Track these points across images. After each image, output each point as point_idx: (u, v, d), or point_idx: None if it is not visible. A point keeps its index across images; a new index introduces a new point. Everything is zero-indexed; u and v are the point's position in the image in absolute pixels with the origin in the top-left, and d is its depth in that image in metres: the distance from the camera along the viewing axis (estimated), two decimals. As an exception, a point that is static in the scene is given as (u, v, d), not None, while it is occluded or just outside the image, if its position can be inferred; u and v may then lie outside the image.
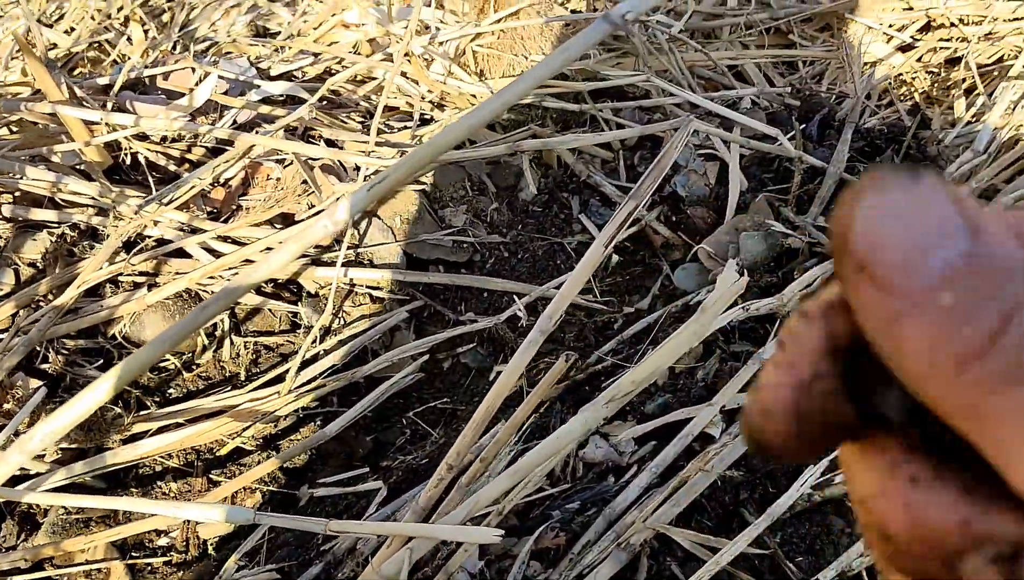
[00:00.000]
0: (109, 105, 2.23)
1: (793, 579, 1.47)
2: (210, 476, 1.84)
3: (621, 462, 1.66)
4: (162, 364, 1.95)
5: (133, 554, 1.69)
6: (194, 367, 1.97)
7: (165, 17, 3.17)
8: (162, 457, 1.81)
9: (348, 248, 2.07)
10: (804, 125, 2.40)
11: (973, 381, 0.23)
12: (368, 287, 2.10)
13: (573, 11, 3.12)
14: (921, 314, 0.23)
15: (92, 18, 3.09)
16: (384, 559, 1.32)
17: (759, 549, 1.50)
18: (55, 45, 2.91)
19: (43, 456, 1.74)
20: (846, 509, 1.61)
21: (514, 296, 2.10)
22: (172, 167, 2.26)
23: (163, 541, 1.73)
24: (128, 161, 2.24)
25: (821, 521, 1.58)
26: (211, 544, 1.73)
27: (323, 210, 2.09)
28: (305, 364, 1.96)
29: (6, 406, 1.72)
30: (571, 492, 1.63)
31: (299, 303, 2.09)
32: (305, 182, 2.16)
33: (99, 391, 0.84)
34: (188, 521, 1.73)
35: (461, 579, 1.49)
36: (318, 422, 1.93)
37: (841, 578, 1.48)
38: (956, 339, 0.23)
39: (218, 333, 2.01)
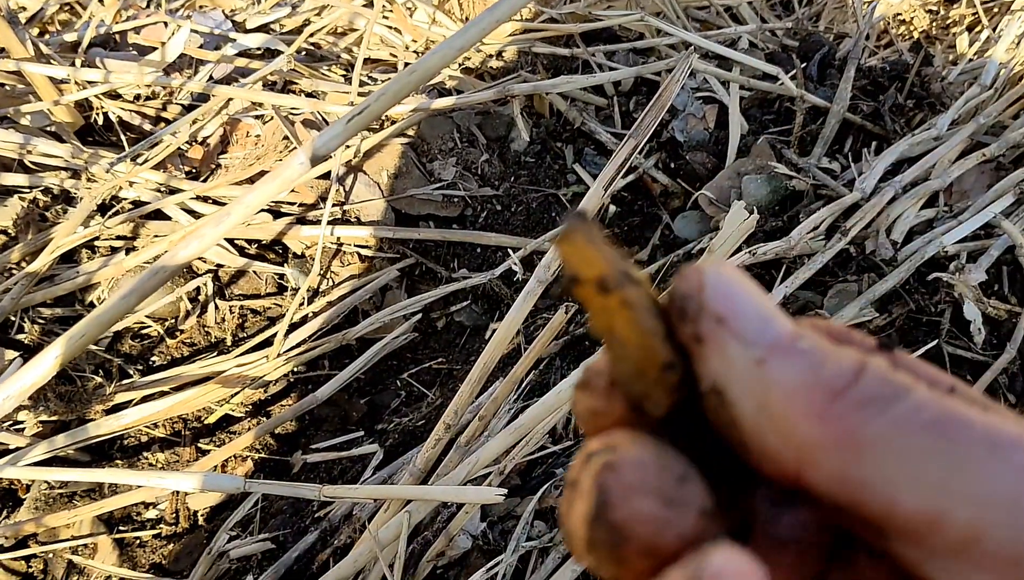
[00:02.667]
0: (78, 62, 2.12)
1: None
2: (198, 445, 1.77)
3: (625, 416, 1.60)
4: (144, 331, 1.88)
5: (120, 528, 1.63)
6: (178, 333, 1.89)
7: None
8: (147, 427, 1.74)
9: (333, 205, 1.98)
10: (804, 64, 2.31)
11: (846, 409, 0.24)
12: (356, 246, 2.02)
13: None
14: (785, 357, 0.25)
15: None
16: (382, 524, 1.26)
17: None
18: (23, 8, 2.79)
19: (23, 429, 1.67)
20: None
21: (508, 250, 2.02)
22: (147, 126, 2.16)
23: (151, 513, 1.66)
24: (101, 121, 2.14)
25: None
26: (202, 515, 1.67)
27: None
28: (293, 327, 1.88)
29: (-19, 379, 1.64)
30: (574, 449, 1.56)
31: (285, 265, 2.01)
32: (286, 138, 2.06)
33: (50, 357, 0.77)
34: (177, 492, 1.66)
35: (462, 541, 1.43)
36: (309, 386, 1.86)
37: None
38: (823, 373, 0.25)
39: (201, 297, 1.93)
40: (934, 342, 1.67)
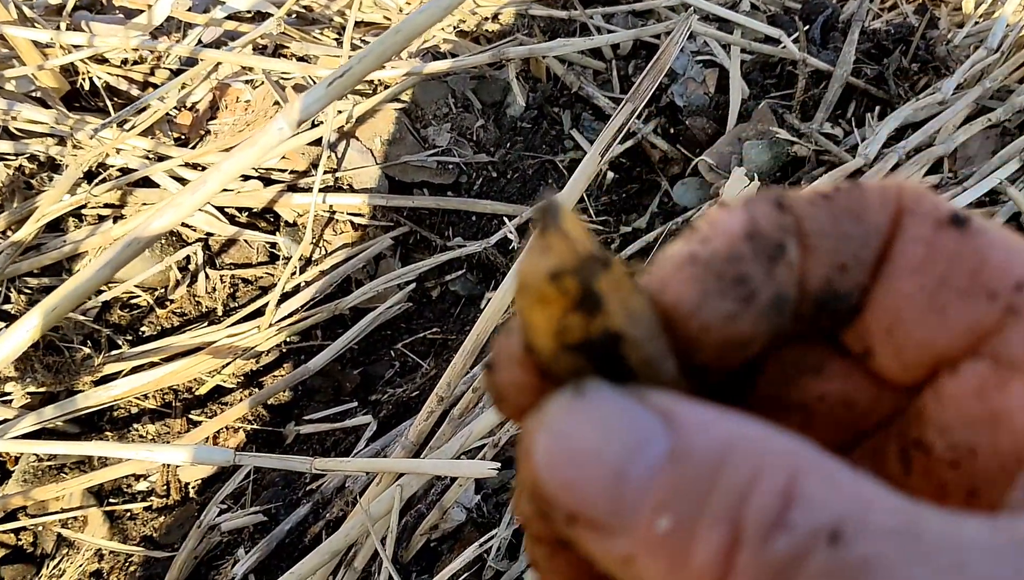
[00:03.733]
0: (63, 25, 2.07)
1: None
2: (189, 416, 1.75)
3: (622, 387, 1.57)
4: (133, 301, 1.84)
5: (111, 500, 1.61)
6: (168, 303, 1.86)
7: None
8: (137, 398, 1.71)
9: (325, 172, 1.94)
10: (807, 27, 2.26)
11: None
12: (349, 214, 1.99)
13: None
14: (649, 550, 0.21)
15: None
16: (374, 497, 1.23)
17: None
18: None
19: (10, 401, 1.64)
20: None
21: (504, 218, 1.98)
22: (135, 92, 2.12)
23: (142, 486, 1.65)
24: (87, 87, 2.09)
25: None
26: (193, 487, 1.65)
27: (299, 133, 1.96)
28: (285, 296, 1.85)
29: (-33, 350, 1.61)
30: (570, 421, 1.54)
31: (277, 233, 1.98)
32: (277, 103, 2.02)
33: (25, 328, 0.74)
34: (168, 464, 1.64)
35: (456, 514, 1.41)
36: (302, 357, 1.83)
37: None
38: (692, 570, 0.20)
39: (192, 266, 1.89)
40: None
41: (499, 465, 1.05)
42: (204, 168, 1.94)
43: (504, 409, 0.26)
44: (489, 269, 2.00)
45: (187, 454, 1.21)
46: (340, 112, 1.97)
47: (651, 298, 0.25)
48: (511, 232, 1.89)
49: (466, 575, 1.31)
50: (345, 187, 1.99)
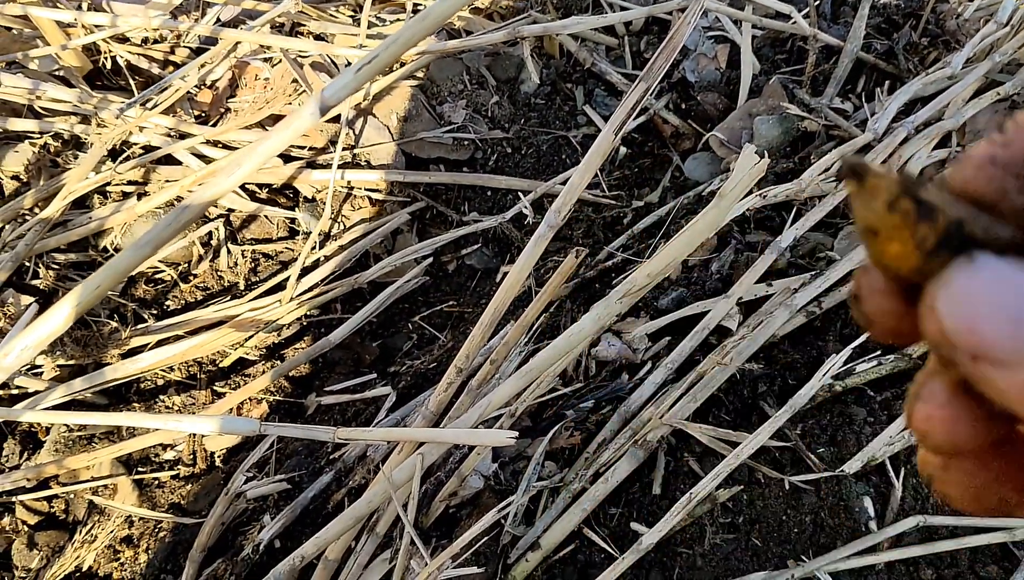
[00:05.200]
0: (84, 5, 2.11)
1: (816, 471, 1.43)
2: (214, 388, 1.80)
3: (635, 359, 1.61)
4: (158, 275, 1.89)
5: (139, 469, 1.67)
6: (191, 278, 1.91)
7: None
8: (163, 370, 1.77)
9: (344, 149, 1.98)
10: (818, 2, 2.27)
11: None
12: (367, 190, 2.02)
13: None
14: None
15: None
16: (395, 465, 1.28)
17: (779, 442, 1.46)
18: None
19: (41, 373, 1.70)
20: (868, 398, 1.56)
21: (519, 193, 2.02)
22: (155, 70, 2.15)
23: (169, 455, 1.70)
24: (109, 65, 2.13)
25: (843, 411, 1.53)
26: (218, 456, 1.70)
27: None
28: (305, 271, 1.90)
29: (-1, 324, 1.66)
30: (585, 391, 1.58)
31: (296, 209, 2.02)
32: (295, 81, 2.05)
33: (66, 306, 0.78)
34: (194, 434, 1.69)
35: (474, 482, 1.46)
36: (322, 330, 1.88)
37: (865, 468, 1.45)
38: None
39: (214, 242, 1.94)
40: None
41: (516, 434, 1.09)
42: (225, 146, 1.98)
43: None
44: (505, 243, 2.03)
45: (214, 424, 1.25)
46: (357, 90, 2.00)
47: (958, 193, 0.31)
48: (526, 207, 1.92)
49: (484, 540, 1.36)
50: (363, 163, 2.03)
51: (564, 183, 1.99)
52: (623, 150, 2.19)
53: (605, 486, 1.42)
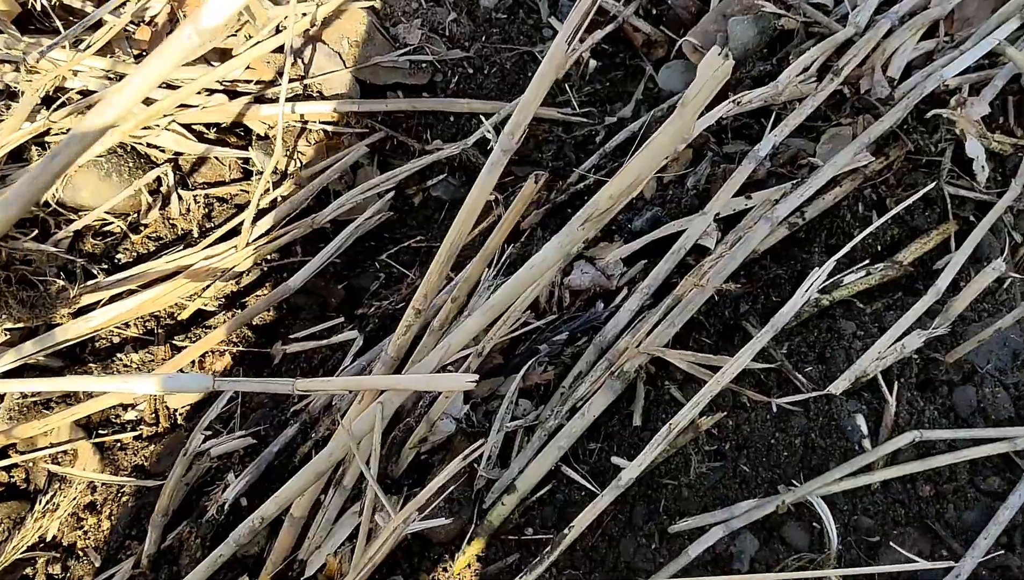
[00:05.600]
0: (3, -58, 1.95)
1: (804, 390, 1.36)
2: (173, 342, 1.71)
3: (610, 286, 1.52)
4: (106, 228, 1.79)
5: (100, 432, 1.60)
6: (141, 228, 1.81)
7: None
8: (118, 327, 1.68)
9: (292, 80, 1.86)
10: None
11: None
12: (321, 123, 1.91)
13: None
14: None
15: None
16: (356, 415, 1.20)
17: (764, 363, 1.39)
18: None
19: (-11, 339, 1.61)
20: (857, 311, 1.48)
21: (481, 117, 1.90)
22: (90, 8, 2.01)
23: (130, 415, 1.63)
24: (39, 7, 1.98)
25: (831, 327, 1.45)
26: (180, 414, 1.63)
27: (261, 41, 1.87)
28: (262, 213, 1.80)
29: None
30: (558, 323, 1.50)
31: (249, 148, 1.90)
32: (241, 12, 1.91)
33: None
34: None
35: (445, 425, 1.39)
36: (284, 274, 1.78)
37: (856, 385, 1.37)
38: None
39: (163, 189, 1.83)
40: (934, 184, 1.58)
41: (476, 377, 1.01)
42: (169, 85, 1.85)
43: None
44: (471, 171, 1.92)
45: (162, 384, 1.17)
46: (304, 15, 1.87)
47: None
48: (489, 131, 1.81)
49: (458, 486, 1.29)
50: (315, 94, 1.91)
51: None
52: (593, 63, 2.06)
53: (582, 421, 1.34)
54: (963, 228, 1.61)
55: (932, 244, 1.59)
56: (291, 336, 1.71)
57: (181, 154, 1.86)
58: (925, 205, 1.62)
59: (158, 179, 1.83)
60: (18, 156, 1.80)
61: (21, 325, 1.61)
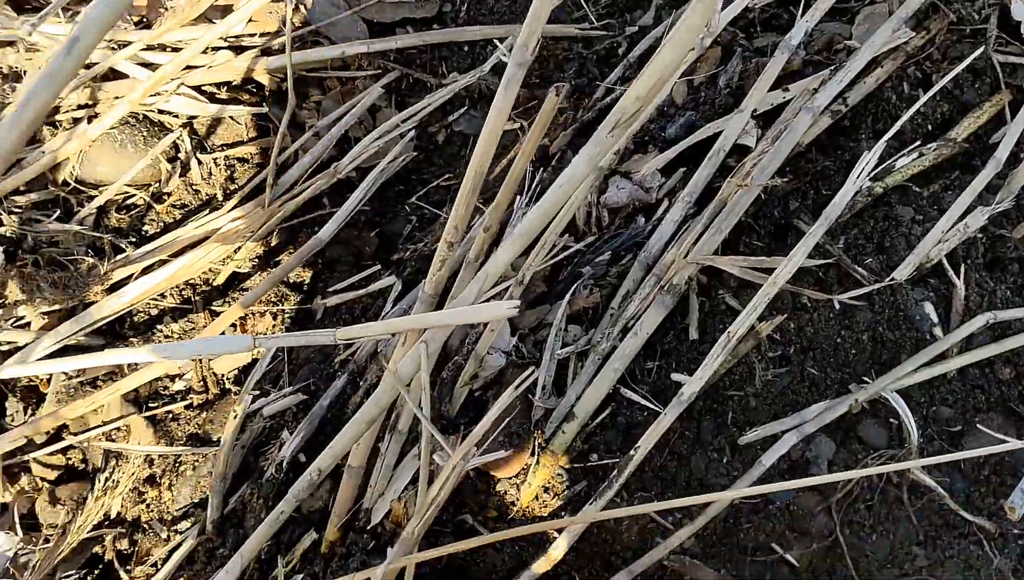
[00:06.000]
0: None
1: (866, 283, 1.29)
2: (212, 308, 1.69)
3: (649, 199, 1.46)
4: (129, 201, 1.76)
5: (150, 405, 1.58)
6: (165, 197, 1.77)
7: None
8: (154, 299, 1.65)
9: (296, 29, 1.79)
10: None
11: None
12: (333, 68, 1.85)
13: None
14: None
15: None
16: (401, 358, 1.16)
17: (822, 259, 1.32)
18: None
19: (28, 324, 1.60)
20: (914, 195, 1.40)
21: (495, 41, 1.82)
22: (83, -20, 1.96)
23: (179, 385, 1.61)
24: (32, -16, 1.94)
25: (887, 214, 1.38)
26: (229, 379, 1.61)
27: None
28: (284, 168, 1.75)
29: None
30: (599, 243, 1.44)
31: (263, 104, 1.85)
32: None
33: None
34: (198, 360, 1.59)
35: (495, 360, 1.34)
36: (315, 228, 1.73)
37: (920, 271, 1.30)
38: None
39: (181, 155, 1.79)
40: (980, 52, 1.48)
41: (518, 302, 0.96)
42: (171, 48, 1.80)
43: None
44: (492, 99, 1.85)
45: (201, 348, 1.14)
46: (301, -41, 1.80)
47: None
48: (504, 55, 1.74)
49: (513, 419, 1.25)
50: (322, 40, 1.85)
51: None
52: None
53: (636, 341, 1.29)
54: (1017, 97, 1.52)
55: (986, 117, 1.49)
56: (329, 289, 1.67)
57: (195, 117, 1.81)
58: (974, 77, 1.52)
59: (175, 145, 1.79)
60: (31, 137, 1.76)
61: (57, 307, 1.59)
